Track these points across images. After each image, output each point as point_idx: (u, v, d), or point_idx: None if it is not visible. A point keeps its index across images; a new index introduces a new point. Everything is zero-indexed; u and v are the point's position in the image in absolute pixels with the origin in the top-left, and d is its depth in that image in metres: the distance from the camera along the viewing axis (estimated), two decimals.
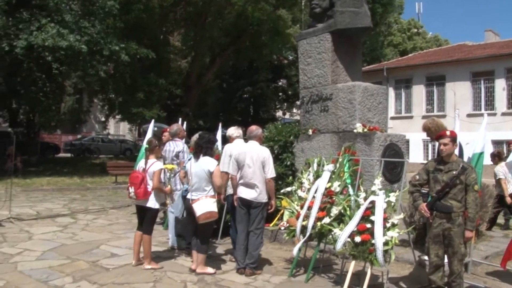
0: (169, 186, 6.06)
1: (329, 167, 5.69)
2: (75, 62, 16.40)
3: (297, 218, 5.59)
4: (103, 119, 36.23)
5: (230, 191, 6.12)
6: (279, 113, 40.13)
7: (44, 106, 19.39)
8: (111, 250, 6.68)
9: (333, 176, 5.64)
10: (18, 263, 5.83)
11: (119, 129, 45.60)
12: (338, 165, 5.79)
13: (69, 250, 6.56)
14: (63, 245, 6.90)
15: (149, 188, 5.75)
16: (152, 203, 5.77)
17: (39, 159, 23.23)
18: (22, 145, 20.35)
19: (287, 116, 39.83)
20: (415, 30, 45.43)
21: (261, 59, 28.72)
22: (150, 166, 5.83)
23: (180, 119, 8.77)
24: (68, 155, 30.81)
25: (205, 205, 5.43)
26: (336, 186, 5.51)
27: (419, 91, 26.82)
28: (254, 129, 5.99)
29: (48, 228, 8.08)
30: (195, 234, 5.63)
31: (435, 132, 5.54)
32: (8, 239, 7.11)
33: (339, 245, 4.94)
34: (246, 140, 6.25)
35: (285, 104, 39.32)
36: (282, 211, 6.20)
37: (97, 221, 8.98)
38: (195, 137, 6.63)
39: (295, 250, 5.49)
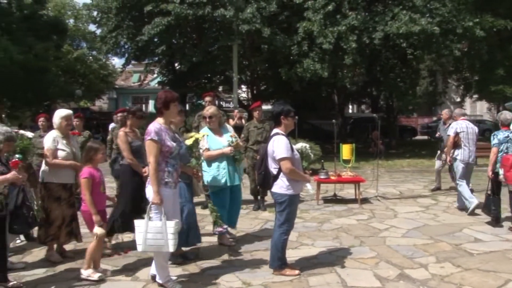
0: None
1: None
2: (428, 45, 16.65)
3: None
4: (458, 99, 35.19)
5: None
6: None
7: (401, 91, 20.50)
8: (475, 234, 6.48)
9: None
10: (386, 238, 6.37)
11: (475, 109, 43.24)
12: None
13: (431, 231, 6.73)
14: (426, 225, 7.13)
15: None
16: None
17: (398, 142, 24.55)
18: (382, 128, 22.07)
19: None
20: None
21: None
22: None
23: None
24: (425, 137, 31.24)
25: None
26: None
27: None
28: None
29: (410, 208, 8.49)
30: None
31: None
32: (377, 215, 7.85)
33: None
34: None
35: None
36: None
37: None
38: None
39: None
